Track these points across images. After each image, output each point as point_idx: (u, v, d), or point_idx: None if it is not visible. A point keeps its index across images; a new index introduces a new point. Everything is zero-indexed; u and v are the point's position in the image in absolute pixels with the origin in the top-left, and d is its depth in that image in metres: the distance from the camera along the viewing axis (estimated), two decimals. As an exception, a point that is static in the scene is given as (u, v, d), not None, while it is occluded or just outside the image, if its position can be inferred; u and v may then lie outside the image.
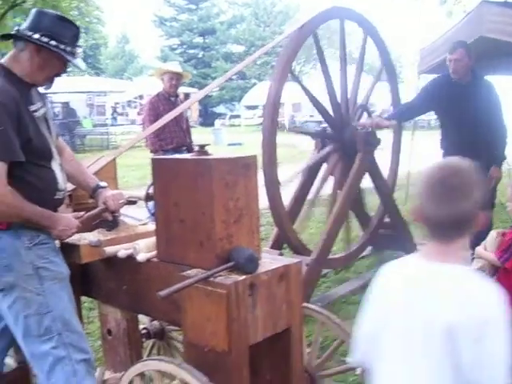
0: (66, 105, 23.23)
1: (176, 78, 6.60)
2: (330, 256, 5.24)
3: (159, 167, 2.40)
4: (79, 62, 2.50)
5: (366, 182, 5.72)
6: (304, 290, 3.31)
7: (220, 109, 47.58)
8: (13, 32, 2.44)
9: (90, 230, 2.76)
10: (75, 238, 2.61)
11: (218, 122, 34.85)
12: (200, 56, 50.08)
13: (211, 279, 2.14)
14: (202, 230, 2.24)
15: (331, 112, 5.23)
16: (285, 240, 5.00)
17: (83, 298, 3.05)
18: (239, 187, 2.28)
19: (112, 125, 28.88)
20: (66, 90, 24.85)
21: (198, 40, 50.65)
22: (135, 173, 13.08)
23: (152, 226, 2.87)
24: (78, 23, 2.52)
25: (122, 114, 38.16)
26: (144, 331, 3.33)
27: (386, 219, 6.18)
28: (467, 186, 1.64)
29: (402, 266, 1.82)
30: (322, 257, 4.80)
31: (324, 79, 5.03)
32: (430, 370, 1.62)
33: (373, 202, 6.67)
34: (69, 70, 2.62)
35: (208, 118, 42.07)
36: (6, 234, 2.38)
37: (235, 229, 2.28)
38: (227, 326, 2.11)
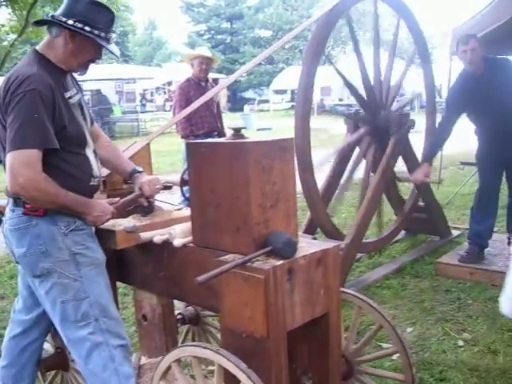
0: (98, 92, 23.38)
1: (206, 63, 6.57)
2: (364, 240, 5.20)
3: (194, 151, 2.37)
4: (114, 47, 2.47)
5: (399, 165, 5.65)
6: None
7: (249, 94, 47.45)
8: (47, 18, 2.42)
9: (125, 215, 2.75)
10: (110, 224, 2.60)
11: (246, 107, 34.75)
12: (228, 41, 49.99)
13: (249, 264, 2.12)
14: (238, 215, 2.21)
15: (364, 94, 5.15)
16: (318, 225, 4.96)
17: (117, 284, 3.05)
18: (276, 171, 2.24)
19: (141, 111, 29.00)
20: (95, 78, 25.00)
21: (226, 25, 50.54)
22: (166, 159, 13.14)
23: (187, 211, 2.86)
24: (107, 10, 2.48)
25: (151, 101, 38.33)
26: (179, 317, 3.33)
27: (420, 203, 6.11)
28: None
29: None
30: (357, 241, 4.75)
31: (357, 61, 4.95)
32: None
33: (405, 185, 6.59)
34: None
35: (237, 103, 42.01)
36: (42, 221, 2.38)
37: (272, 213, 2.25)
38: (265, 311, 2.08)
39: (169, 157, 13.35)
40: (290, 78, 37.76)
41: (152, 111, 31.98)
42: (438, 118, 6.39)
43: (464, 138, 8.31)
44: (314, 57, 4.46)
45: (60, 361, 2.92)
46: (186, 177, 2.62)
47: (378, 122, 5.16)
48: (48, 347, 2.97)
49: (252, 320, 2.13)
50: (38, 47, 2.45)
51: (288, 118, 30.21)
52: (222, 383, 2.15)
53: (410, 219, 5.91)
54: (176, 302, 3.17)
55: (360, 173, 5.31)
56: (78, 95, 2.55)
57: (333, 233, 4.85)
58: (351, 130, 5.30)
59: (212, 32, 50.96)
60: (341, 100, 34.94)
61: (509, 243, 5.32)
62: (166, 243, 2.54)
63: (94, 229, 2.60)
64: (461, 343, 3.86)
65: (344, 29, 29.70)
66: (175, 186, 3.15)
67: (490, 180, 5.13)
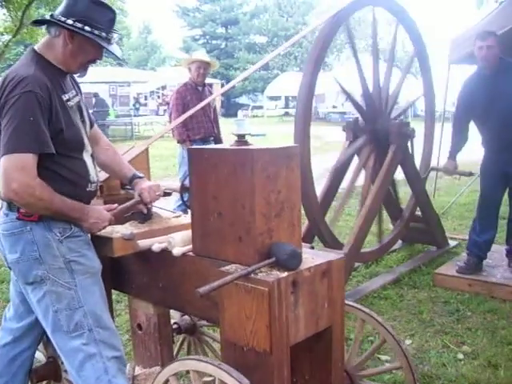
0: (95, 95, 23.32)
1: (204, 67, 6.51)
2: (362, 250, 5.13)
3: (196, 158, 2.29)
4: (115, 48, 2.39)
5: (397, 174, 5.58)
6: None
7: (243, 99, 47.44)
8: (46, 17, 2.33)
9: (122, 222, 2.67)
10: (107, 231, 2.52)
11: (240, 113, 34.68)
12: (223, 47, 49.96)
13: (252, 276, 2.04)
14: (242, 224, 2.14)
15: (363, 102, 5.11)
16: (316, 233, 4.89)
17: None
18: (281, 179, 2.17)
19: (134, 115, 28.88)
20: (89, 81, 24.85)
21: (221, 30, 50.51)
22: (159, 163, 13.04)
23: (185, 219, 2.78)
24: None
25: (144, 105, 38.20)
26: (175, 326, 3.25)
27: (417, 212, 6.05)
28: None
29: None
30: (355, 250, 4.69)
31: (356, 69, 4.90)
32: None
33: (401, 194, 6.53)
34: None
35: (231, 108, 41.95)
36: (37, 226, 2.30)
37: (276, 223, 2.17)
38: (269, 324, 2.01)
39: (162, 161, 13.25)
40: (284, 84, 37.79)
41: (145, 115, 31.88)
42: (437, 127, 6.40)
43: (463, 150, 8.30)
44: (315, 63, 4.40)
45: (52, 371, 2.83)
46: (186, 183, 2.53)
47: (377, 131, 5.10)
48: (40, 356, 2.88)
49: (254, 333, 2.05)
50: (36, 47, 2.37)
51: (282, 125, 30.29)
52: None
53: (407, 228, 5.85)
54: (172, 311, 3.09)
55: (358, 181, 5.26)
56: (77, 97, 2.46)
57: (331, 242, 4.78)
58: (350, 138, 5.23)
59: (207, 37, 50.91)
60: (335, 107, 34.96)
61: (507, 255, 5.27)
62: (165, 251, 2.47)
63: (89, 236, 2.51)
64: (461, 356, 3.79)
65: (338, 36, 29.75)
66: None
67: (492, 193, 5.07)
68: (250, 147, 2.16)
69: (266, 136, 22.00)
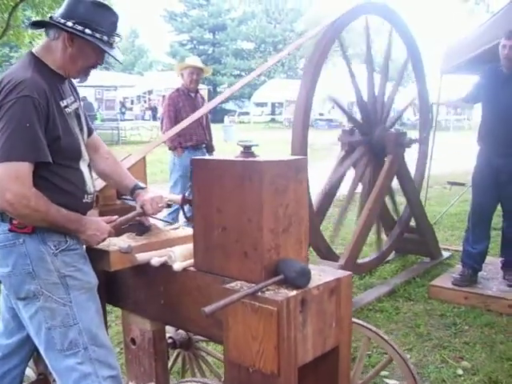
0: (83, 99, 23.07)
1: (196, 73, 6.42)
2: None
3: (200, 168, 2.18)
4: (117, 52, 2.28)
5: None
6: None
7: (229, 105, 47.35)
8: (45, 19, 2.22)
9: (119, 234, 2.56)
10: (104, 244, 2.41)
11: (227, 119, 34.62)
12: (210, 52, 49.89)
13: (259, 294, 1.94)
14: (248, 240, 2.04)
15: (359, 113, 5.06)
16: (312, 244, 4.80)
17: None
18: (289, 192, 2.07)
19: (121, 120, 28.70)
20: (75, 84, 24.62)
21: (209, 36, 50.45)
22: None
23: (184, 231, 2.68)
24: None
25: (130, 109, 38.02)
26: (170, 341, 3.14)
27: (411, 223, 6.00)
28: None
29: None
30: (351, 262, 4.61)
31: (351, 80, 4.85)
32: None
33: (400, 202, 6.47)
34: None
35: (217, 114, 41.77)
36: (30, 239, 2.18)
37: (283, 238, 2.08)
38: (277, 345, 1.90)
39: (148, 167, 13.04)
40: (271, 91, 37.88)
41: (131, 120, 31.71)
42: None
43: (451, 159, 8.30)
44: (314, 70, 4.32)
45: (42, 388, 2.71)
46: (188, 195, 2.43)
47: (373, 142, 5.04)
48: (30, 373, 2.76)
49: (261, 354, 1.95)
50: (34, 50, 2.26)
51: (268, 131, 30.31)
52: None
53: (401, 239, 5.78)
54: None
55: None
56: (76, 104, 2.35)
57: (326, 253, 4.69)
58: (345, 148, 5.16)
59: (194, 42, 50.82)
60: (321, 115, 35.00)
61: (502, 267, 5.22)
62: (164, 266, 2.36)
63: (85, 248, 2.40)
64: (460, 372, 3.72)
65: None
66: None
67: (484, 202, 5.01)
68: (259, 159, 2.06)
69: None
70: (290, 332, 1.93)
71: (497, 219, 5.45)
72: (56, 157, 2.16)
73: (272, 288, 1.99)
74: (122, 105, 36.69)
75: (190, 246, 2.34)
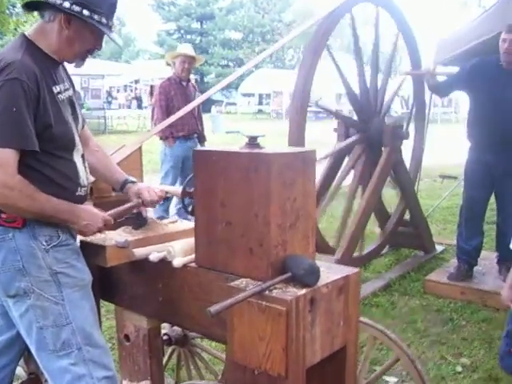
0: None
1: (188, 62, 6.30)
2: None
3: (203, 160, 2.08)
4: (115, 36, 2.15)
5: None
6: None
7: (216, 96, 46.90)
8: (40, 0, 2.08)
9: (114, 227, 2.44)
10: (99, 238, 2.30)
11: (214, 109, 34.39)
12: (197, 42, 49.45)
13: (266, 293, 1.84)
14: (254, 235, 1.94)
15: (351, 106, 4.99)
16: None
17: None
18: (297, 185, 1.97)
19: (107, 109, 28.40)
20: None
21: (196, 25, 50.03)
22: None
23: (183, 225, 2.57)
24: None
25: (116, 98, 37.65)
26: (165, 337, 3.04)
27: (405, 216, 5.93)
28: None
29: None
30: (348, 256, 4.52)
31: (356, 62, 4.76)
32: None
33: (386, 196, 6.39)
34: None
35: (204, 104, 41.36)
36: (20, 233, 2.05)
37: (290, 234, 1.98)
38: (285, 347, 1.81)
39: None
40: (258, 81, 37.64)
41: (117, 109, 31.40)
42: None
43: (442, 152, 8.24)
44: (313, 59, 4.22)
45: (34, 385, 2.60)
46: (189, 188, 2.32)
47: (370, 130, 4.95)
48: (20, 372, 2.64)
49: (268, 356, 1.85)
50: (27, 32, 2.12)
51: (256, 122, 30.18)
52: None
53: (396, 233, 5.71)
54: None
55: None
56: (70, 91, 2.22)
57: (321, 246, 4.60)
58: (341, 137, 5.06)
59: (182, 31, 50.36)
60: (309, 106, 34.85)
61: (497, 262, 5.16)
62: (163, 261, 2.25)
63: (78, 243, 2.28)
64: (459, 369, 3.66)
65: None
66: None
67: (477, 197, 4.92)
68: (266, 150, 1.95)
69: (240, 133, 21.83)
70: (299, 332, 1.84)
71: (489, 213, 5.38)
72: (47, 146, 2.04)
73: (279, 286, 1.89)
74: (109, 94, 36.33)
75: (190, 241, 2.23)
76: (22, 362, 2.59)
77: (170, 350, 3.23)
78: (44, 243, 2.08)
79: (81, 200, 2.25)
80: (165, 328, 3.09)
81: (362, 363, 2.51)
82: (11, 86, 1.92)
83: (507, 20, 6.43)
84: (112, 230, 2.44)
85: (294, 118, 4.25)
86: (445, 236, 6.92)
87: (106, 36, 2.14)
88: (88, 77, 30.11)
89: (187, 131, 6.29)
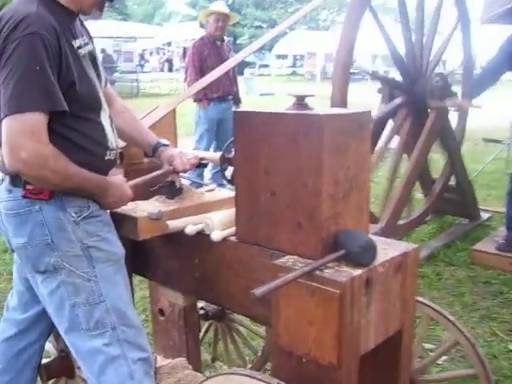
0: (102, 50, 22.94)
1: (222, 20, 6.03)
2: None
3: (244, 123, 1.86)
4: None
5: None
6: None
7: (250, 57, 46.39)
8: None
9: (147, 196, 2.25)
10: (130, 209, 2.11)
11: (247, 71, 33.95)
12: (230, 3, 48.61)
13: (317, 273, 1.63)
14: (303, 207, 1.72)
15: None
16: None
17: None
18: (351, 152, 1.74)
19: (140, 72, 28.24)
20: (93, 35, 24.15)
21: (229, -14, 49.21)
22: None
23: (222, 193, 2.37)
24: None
25: (148, 61, 37.48)
26: (201, 312, 2.87)
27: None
28: None
29: None
30: (392, 224, 4.28)
31: (401, 20, 4.45)
32: None
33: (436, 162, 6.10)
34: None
35: (237, 66, 41.14)
36: (47, 206, 1.86)
37: (343, 206, 1.76)
38: (338, 333, 1.61)
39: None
40: (291, 43, 37.03)
41: (149, 72, 31.22)
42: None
43: (486, 114, 7.86)
44: (356, 17, 3.93)
45: (64, 367, 2.46)
46: (228, 154, 2.10)
47: (416, 92, 4.64)
48: (50, 349, 2.50)
49: (318, 343, 1.66)
50: None
51: (290, 84, 29.64)
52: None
53: (440, 199, 5.44)
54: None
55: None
56: (90, 46, 1.99)
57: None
58: (386, 99, 4.78)
59: (213, -8, 49.58)
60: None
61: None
62: (201, 234, 2.06)
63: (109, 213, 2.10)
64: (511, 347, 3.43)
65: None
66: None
67: None
68: (316, 112, 1.72)
69: (274, 95, 21.47)
70: (353, 317, 1.64)
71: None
72: (72, 107, 1.82)
73: (331, 265, 1.68)
74: (141, 57, 36.15)
75: (229, 212, 2.03)
76: (52, 338, 2.44)
77: (206, 324, 3.07)
78: (74, 215, 1.89)
79: (110, 165, 2.06)
80: (201, 301, 2.92)
81: (415, 346, 2.30)
82: (30, 42, 1.71)
83: None
84: (145, 199, 2.25)
85: (337, 80, 3.99)
86: (490, 203, 6.60)
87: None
88: (120, 39, 29.95)
89: (222, 93, 6.07)
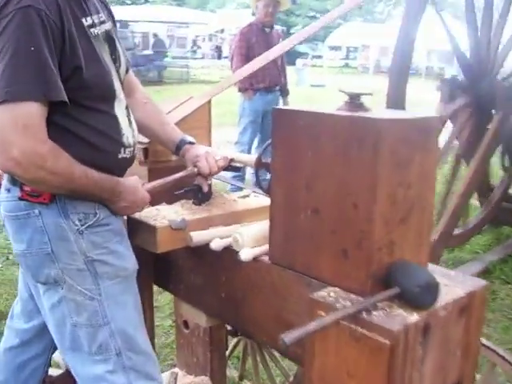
0: (154, 35, 23.08)
1: (273, 5, 5.70)
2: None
3: (285, 123, 1.54)
4: None
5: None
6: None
7: (302, 48, 45.81)
8: None
9: (170, 201, 1.97)
10: (149, 216, 1.83)
11: (299, 62, 33.52)
12: (285, -8, 48.22)
13: (363, 315, 1.32)
14: (350, 231, 1.40)
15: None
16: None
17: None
18: (414, 166, 1.41)
19: (191, 58, 28.19)
20: (146, 19, 24.25)
21: (285, -26, 48.62)
22: (214, 109, 12.26)
23: (258, 201, 2.06)
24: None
25: (200, 48, 37.44)
26: (230, 327, 2.59)
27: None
28: None
29: None
30: (447, 236, 3.91)
31: (466, 13, 4.07)
32: None
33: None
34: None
35: (289, 56, 40.31)
36: (48, 210, 1.60)
37: (400, 232, 1.43)
38: (385, 391, 1.30)
39: (217, 107, 12.47)
40: (346, 34, 36.47)
41: (201, 58, 31.15)
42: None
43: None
44: (418, 9, 3.57)
45: (72, 382, 2.21)
46: (266, 158, 1.79)
47: (480, 93, 4.24)
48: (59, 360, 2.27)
49: (360, 400, 1.35)
50: None
51: (342, 76, 29.11)
52: None
53: (498, 209, 5.02)
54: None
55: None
56: (107, 25, 1.71)
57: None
58: (445, 99, 4.39)
59: (269, -20, 49.09)
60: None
61: None
62: (228, 249, 1.77)
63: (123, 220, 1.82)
64: None
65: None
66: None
67: None
68: (373, 115, 1.39)
69: (325, 87, 21.06)
70: (405, 372, 1.32)
71: None
72: (78, 96, 1.56)
73: (381, 305, 1.36)
74: (194, 43, 36.08)
75: (264, 226, 1.72)
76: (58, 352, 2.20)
77: (235, 340, 2.79)
78: (77, 223, 1.62)
79: (125, 164, 1.77)
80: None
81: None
82: (25, 17, 1.43)
83: None
84: (168, 203, 1.97)
85: (394, 77, 3.65)
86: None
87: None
88: (173, 25, 29.96)
89: (268, 83, 5.75)
